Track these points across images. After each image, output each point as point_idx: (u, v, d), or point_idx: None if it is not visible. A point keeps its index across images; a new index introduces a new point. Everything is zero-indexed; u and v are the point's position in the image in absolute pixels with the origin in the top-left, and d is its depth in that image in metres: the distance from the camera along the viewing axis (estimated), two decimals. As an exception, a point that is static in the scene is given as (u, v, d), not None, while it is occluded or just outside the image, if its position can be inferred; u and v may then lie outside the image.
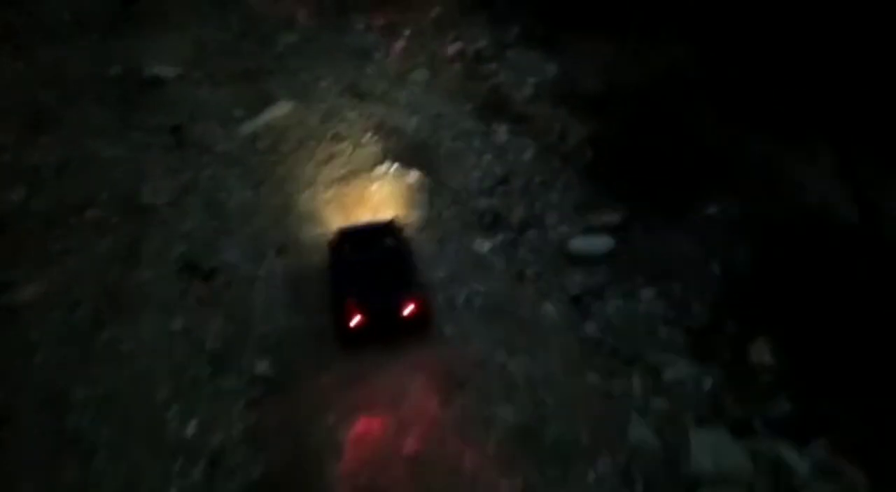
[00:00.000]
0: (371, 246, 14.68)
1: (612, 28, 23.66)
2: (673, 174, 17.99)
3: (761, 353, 14.24)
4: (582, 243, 17.25)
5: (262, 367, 14.85)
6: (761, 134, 18.36)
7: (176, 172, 20.86)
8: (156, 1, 29.67)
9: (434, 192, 19.23)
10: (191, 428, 13.82)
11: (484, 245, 17.63)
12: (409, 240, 16.68)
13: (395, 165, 19.82)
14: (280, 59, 26.03)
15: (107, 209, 19.41)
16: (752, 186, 17.36)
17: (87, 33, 28.46)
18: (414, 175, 20.03)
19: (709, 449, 12.64)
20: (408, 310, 13.50)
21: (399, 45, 25.99)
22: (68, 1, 31.93)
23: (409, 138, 21.66)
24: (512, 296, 16.02)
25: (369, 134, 21.62)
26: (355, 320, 13.21)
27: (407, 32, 26.48)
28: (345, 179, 19.77)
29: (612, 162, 19.38)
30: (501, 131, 21.80)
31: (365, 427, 13.02)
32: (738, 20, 20.99)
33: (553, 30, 24.73)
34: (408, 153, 21.03)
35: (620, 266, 16.75)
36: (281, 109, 23.31)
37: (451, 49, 25.01)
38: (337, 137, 21.93)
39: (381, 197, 18.86)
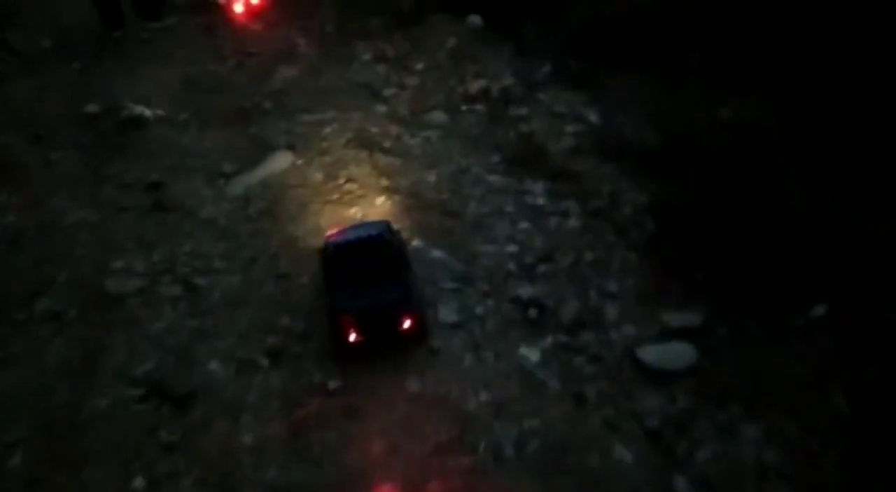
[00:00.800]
0: (365, 254, 13.52)
1: (662, 67, 19.61)
2: (763, 259, 13.96)
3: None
4: (655, 354, 13.33)
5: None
6: (871, 208, 14.24)
7: (151, 247, 16.84)
8: (142, 28, 25.48)
9: (464, 276, 15.15)
10: None
11: (532, 354, 13.65)
12: (403, 243, 14.99)
13: (416, 243, 15.77)
14: (277, 97, 21.97)
15: (62, 298, 15.45)
16: (870, 278, 13.25)
17: (68, 63, 24.93)
18: (437, 253, 15.97)
19: None
20: (405, 324, 12.80)
21: (411, 81, 21.94)
22: (50, 25, 28.23)
23: (427, 200, 17.59)
24: (573, 433, 11.95)
25: (382, 198, 17.58)
26: (353, 337, 12.69)
27: (420, 66, 22.44)
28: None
29: (680, 238, 15.42)
30: (538, 191, 17.90)
31: None
32: (821, 66, 16.95)
33: (591, 66, 20.74)
34: (427, 221, 16.94)
35: (708, 387, 12.75)
36: (278, 163, 19.46)
37: (473, 87, 20.75)
38: (343, 201, 17.95)
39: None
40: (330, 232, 15.20)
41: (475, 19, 23.24)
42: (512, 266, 16.12)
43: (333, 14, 24.36)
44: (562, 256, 16.21)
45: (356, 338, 12.56)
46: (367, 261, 13.13)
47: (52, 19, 27.03)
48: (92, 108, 22.49)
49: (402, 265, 13.48)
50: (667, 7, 20.38)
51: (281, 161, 19.53)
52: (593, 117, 19.89)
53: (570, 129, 19.61)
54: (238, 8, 26.68)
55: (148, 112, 22.14)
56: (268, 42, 25.31)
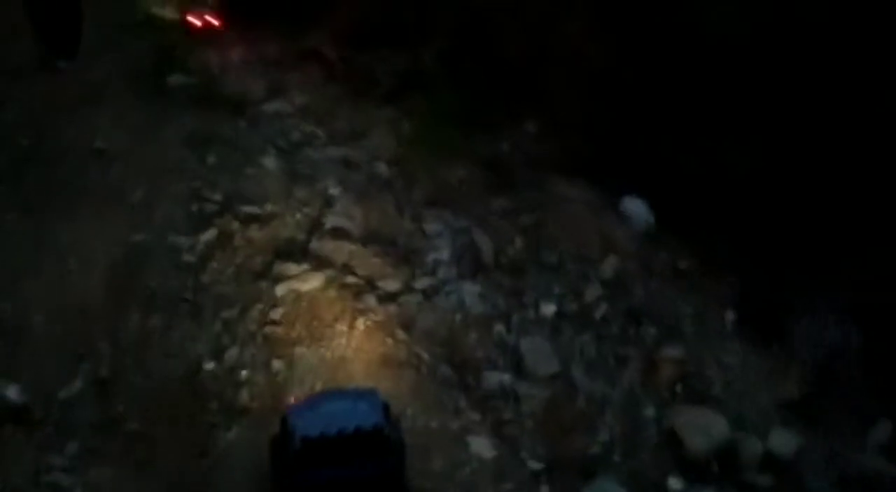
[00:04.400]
0: (350, 458, 7.75)
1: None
2: None
3: None
4: None
5: None
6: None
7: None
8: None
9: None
10: None
11: None
12: (400, 430, 9.01)
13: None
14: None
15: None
16: None
17: None
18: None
19: None
20: None
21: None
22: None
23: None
24: None
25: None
26: None
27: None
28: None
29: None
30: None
31: None
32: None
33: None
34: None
35: None
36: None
37: (546, 310, 12.20)
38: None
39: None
40: (292, 403, 9.36)
41: (637, 208, 13.31)
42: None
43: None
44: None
45: None
46: (357, 470, 7.81)
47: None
48: None
49: (405, 475, 8.22)
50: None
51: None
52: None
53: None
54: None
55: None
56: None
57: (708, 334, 10.26)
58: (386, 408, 8.58)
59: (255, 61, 22.36)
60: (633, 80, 13.40)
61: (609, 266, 11.28)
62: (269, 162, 14.49)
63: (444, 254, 11.85)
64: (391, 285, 11.39)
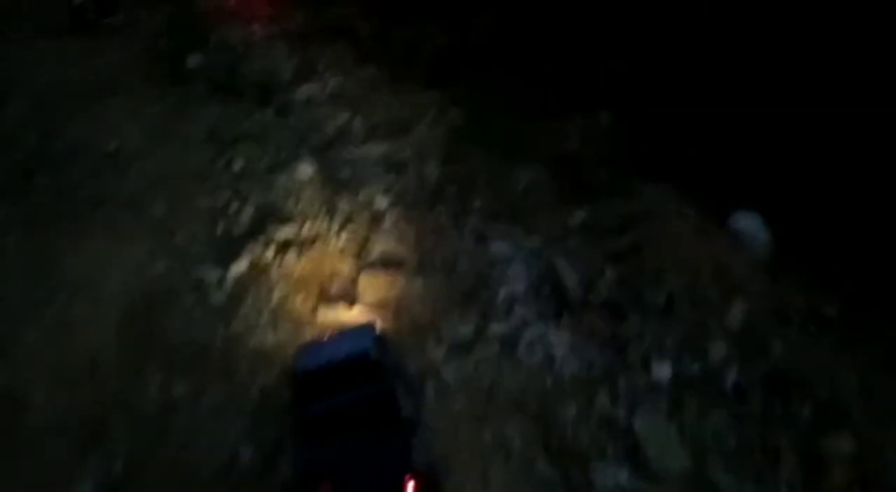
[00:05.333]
0: (347, 383, 8.01)
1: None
2: None
3: None
4: None
5: None
6: None
7: None
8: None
9: None
10: None
11: None
12: (399, 357, 8.85)
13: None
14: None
15: None
16: None
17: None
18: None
19: None
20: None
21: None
22: None
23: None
24: None
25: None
26: None
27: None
28: None
29: None
30: None
31: None
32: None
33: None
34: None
35: None
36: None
37: (660, 372, 9.25)
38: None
39: None
40: (302, 344, 9.38)
41: (754, 227, 10.29)
42: None
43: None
44: None
45: None
46: (351, 395, 7.96)
47: None
48: None
49: (399, 397, 8.12)
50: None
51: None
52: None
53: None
54: None
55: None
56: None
57: (882, 416, 7.79)
58: (380, 339, 8.68)
59: (279, 37, 20.08)
60: (739, 53, 10.82)
61: (736, 312, 8.67)
62: (304, 167, 12.37)
63: (519, 286, 9.71)
64: (460, 331, 9.29)
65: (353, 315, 9.35)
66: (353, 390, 7.97)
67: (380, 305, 9.52)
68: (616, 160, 11.57)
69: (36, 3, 20.57)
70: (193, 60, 17.79)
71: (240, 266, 10.32)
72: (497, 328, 9.07)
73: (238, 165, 12.73)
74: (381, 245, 10.61)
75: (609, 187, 10.78)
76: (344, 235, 10.66)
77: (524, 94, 13.64)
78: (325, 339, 9.09)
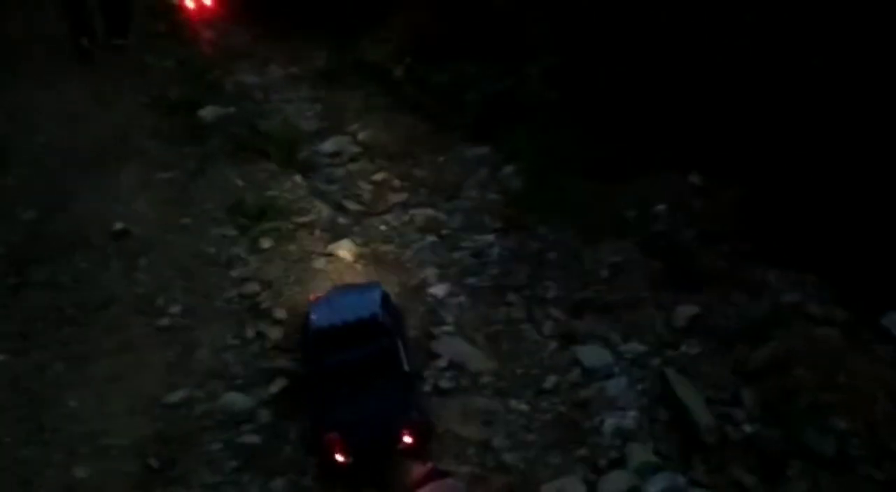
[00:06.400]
0: (355, 342, 8.52)
1: None
2: None
3: None
4: None
5: None
6: None
7: None
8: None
9: None
10: None
11: None
12: (402, 318, 9.18)
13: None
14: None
15: None
16: None
17: None
18: None
19: None
20: (406, 440, 7.96)
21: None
22: None
23: None
24: None
25: None
26: (340, 458, 8.00)
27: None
28: None
29: None
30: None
31: None
32: None
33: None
34: None
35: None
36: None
37: None
38: None
39: None
40: (314, 296, 9.41)
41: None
42: None
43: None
44: None
45: (344, 459, 7.96)
46: (358, 352, 8.44)
47: None
48: None
49: (401, 355, 8.49)
50: None
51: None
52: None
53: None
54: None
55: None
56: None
57: None
58: (384, 300, 9.09)
59: (301, 78, 18.13)
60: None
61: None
62: (343, 247, 10.29)
63: (627, 415, 7.57)
64: (566, 489, 7.09)
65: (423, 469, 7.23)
66: (361, 348, 8.39)
67: (456, 442, 7.39)
68: (718, 237, 9.42)
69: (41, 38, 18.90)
70: (209, 112, 15.84)
71: (274, 387, 8.29)
72: (609, 484, 6.89)
73: (265, 247, 10.69)
74: (447, 354, 8.52)
75: (723, 275, 8.62)
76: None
77: (595, 150, 11.56)
78: (335, 294, 9.39)
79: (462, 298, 9.31)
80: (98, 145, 14.38)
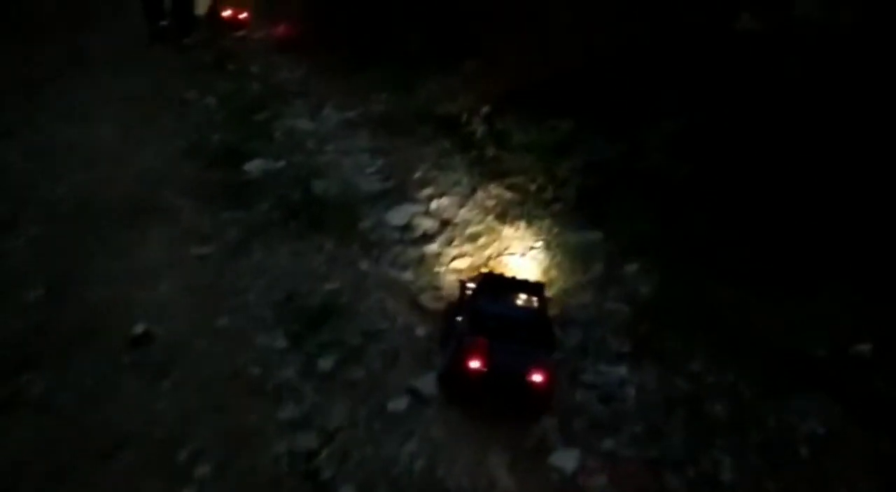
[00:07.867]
0: (513, 301, 9.07)
1: None
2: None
3: None
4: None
5: None
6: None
7: None
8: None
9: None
10: None
11: None
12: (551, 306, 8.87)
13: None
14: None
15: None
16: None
17: None
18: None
19: None
20: (536, 377, 8.06)
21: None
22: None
23: None
24: None
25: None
26: (475, 364, 8.09)
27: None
28: None
29: None
30: None
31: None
32: None
33: None
34: None
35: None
36: None
37: None
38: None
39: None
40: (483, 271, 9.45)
41: None
42: None
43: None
44: None
45: (477, 366, 8.04)
46: (514, 309, 9.05)
47: None
48: None
49: (547, 324, 8.69)
50: None
51: None
52: None
53: None
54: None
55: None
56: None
57: None
58: (544, 300, 9.01)
59: (358, 124, 15.54)
60: None
61: None
62: (427, 381, 7.50)
63: None
64: None
65: None
66: (516, 306, 8.91)
67: None
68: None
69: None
70: (255, 167, 13.30)
71: None
72: None
73: (326, 366, 7.94)
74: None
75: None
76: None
77: (745, 244, 8.68)
78: (507, 278, 9.29)
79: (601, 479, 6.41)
80: (124, 198, 11.91)
